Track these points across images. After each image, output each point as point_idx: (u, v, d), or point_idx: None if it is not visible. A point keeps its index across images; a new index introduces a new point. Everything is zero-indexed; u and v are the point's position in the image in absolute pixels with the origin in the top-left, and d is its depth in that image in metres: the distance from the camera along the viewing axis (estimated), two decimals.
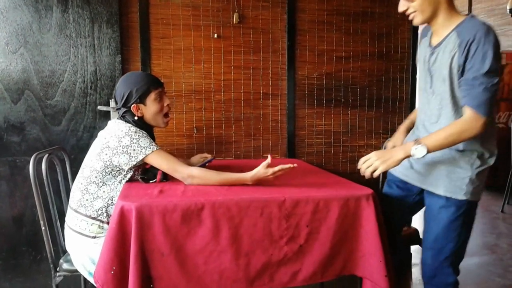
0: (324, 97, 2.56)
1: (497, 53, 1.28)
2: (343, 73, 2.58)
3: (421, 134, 1.52)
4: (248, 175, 1.51)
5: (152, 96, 1.60)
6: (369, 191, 1.44)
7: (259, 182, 1.52)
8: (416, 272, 2.66)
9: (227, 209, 1.32)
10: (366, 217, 1.40)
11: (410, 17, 1.43)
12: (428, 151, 1.33)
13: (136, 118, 1.60)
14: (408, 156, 1.36)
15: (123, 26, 2.28)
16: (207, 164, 1.86)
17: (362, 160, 1.44)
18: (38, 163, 1.64)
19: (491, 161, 1.47)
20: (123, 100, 1.58)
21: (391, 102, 2.70)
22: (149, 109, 1.61)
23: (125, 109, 1.60)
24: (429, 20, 1.42)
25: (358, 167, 1.45)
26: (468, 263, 2.88)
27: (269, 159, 1.51)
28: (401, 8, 1.42)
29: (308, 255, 1.37)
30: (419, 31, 1.64)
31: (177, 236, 1.29)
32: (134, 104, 1.58)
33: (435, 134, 1.37)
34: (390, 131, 2.72)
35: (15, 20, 2.13)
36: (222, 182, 1.52)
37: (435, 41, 1.44)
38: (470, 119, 1.31)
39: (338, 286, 1.83)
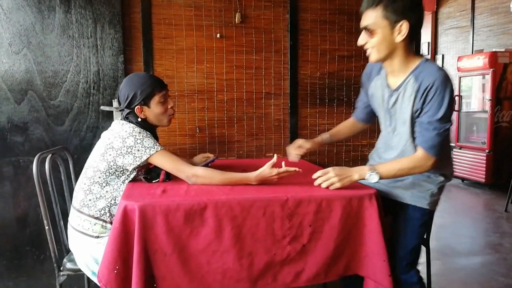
0: (326, 97, 2.56)
1: (452, 100, 1.38)
2: (346, 72, 2.58)
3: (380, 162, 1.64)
4: (252, 175, 1.51)
5: (156, 98, 1.61)
6: (372, 190, 1.43)
7: (263, 182, 1.52)
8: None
9: (230, 209, 1.32)
10: (369, 217, 1.39)
11: (367, 53, 1.47)
12: (380, 179, 1.45)
13: (139, 119, 1.60)
14: (362, 179, 1.46)
15: (126, 27, 2.28)
16: (210, 164, 1.86)
17: (319, 173, 1.47)
18: (41, 163, 1.64)
19: (451, 177, 1.62)
20: (127, 102, 1.59)
21: None
22: (153, 111, 1.61)
23: (128, 111, 1.60)
24: (384, 60, 1.46)
25: (314, 177, 1.48)
26: (471, 262, 2.87)
27: (274, 159, 1.51)
28: (360, 41, 1.46)
29: (311, 255, 1.37)
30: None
31: (180, 236, 1.29)
32: (138, 106, 1.59)
33: (390, 164, 1.49)
34: None
35: (18, 21, 2.14)
36: (226, 182, 1.52)
37: (392, 83, 1.51)
38: (421, 158, 1.44)
39: (341, 286, 1.83)
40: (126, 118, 1.62)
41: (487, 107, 5.05)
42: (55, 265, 1.66)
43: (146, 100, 1.59)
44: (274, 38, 2.48)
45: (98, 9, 2.20)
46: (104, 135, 1.60)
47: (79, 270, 1.61)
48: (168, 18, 2.33)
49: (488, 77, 5.04)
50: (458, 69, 5.61)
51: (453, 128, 5.95)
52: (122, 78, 2.25)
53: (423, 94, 1.38)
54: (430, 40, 7.13)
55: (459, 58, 5.61)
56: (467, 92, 5.63)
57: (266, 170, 1.49)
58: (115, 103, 2.25)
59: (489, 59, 4.98)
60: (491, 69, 4.96)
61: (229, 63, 2.43)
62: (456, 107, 5.64)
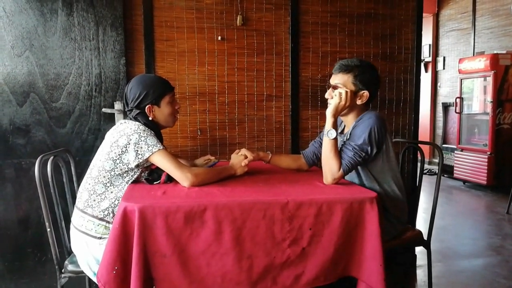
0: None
1: (371, 135, 1.58)
2: None
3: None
4: (228, 166, 1.71)
5: (166, 99, 1.66)
6: (373, 194, 1.43)
7: (239, 168, 1.71)
8: (421, 273, 2.65)
9: (230, 211, 1.32)
10: (370, 220, 1.38)
11: None
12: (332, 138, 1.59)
13: (149, 119, 1.62)
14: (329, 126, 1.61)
15: (128, 29, 2.29)
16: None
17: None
18: (43, 165, 1.65)
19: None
20: (138, 101, 1.61)
21: (395, 103, 2.69)
22: (163, 111, 1.65)
23: (138, 111, 1.62)
24: (344, 114, 1.72)
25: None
26: (473, 264, 2.87)
27: (242, 151, 1.79)
28: (327, 95, 1.74)
29: (311, 258, 1.36)
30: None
31: (179, 238, 1.29)
32: (149, 105, 1.61)
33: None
34: (394, 133, 2.71)
35: (21, 23, 2.15)
36: (221, 176, 1.63)
37: (345, 131, 1.80)
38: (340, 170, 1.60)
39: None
40: (135, 118, 1.63)
41: (489, 109, 5.04)
42: (56, 267, 1.66)
43: (157, 99, 1.63)
44: (275, 41, 2.48)
45: (100, 11, 2.22)
46: (109, 133, 1.62)
47: (81, 272, 1.61)
48: (169, 21, 2.34)
49: (490, 79, 5.03)
50: (459, 71, 5.60)
51: (454, 130, 5.94)
52: (124, 81, 2.26)
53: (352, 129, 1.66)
54: (431, 42, 7.12)
55: (460, 60, 5.60)
56: (468, 94, 5.62)
57: (234, 157, 1.76)
58: (117, 105, 2.26)
59: (490, 61, 4.97)
60: (492, 71, 4.95)
61: (230, 65, 2.44)
62: (457, 109, 5.63)
